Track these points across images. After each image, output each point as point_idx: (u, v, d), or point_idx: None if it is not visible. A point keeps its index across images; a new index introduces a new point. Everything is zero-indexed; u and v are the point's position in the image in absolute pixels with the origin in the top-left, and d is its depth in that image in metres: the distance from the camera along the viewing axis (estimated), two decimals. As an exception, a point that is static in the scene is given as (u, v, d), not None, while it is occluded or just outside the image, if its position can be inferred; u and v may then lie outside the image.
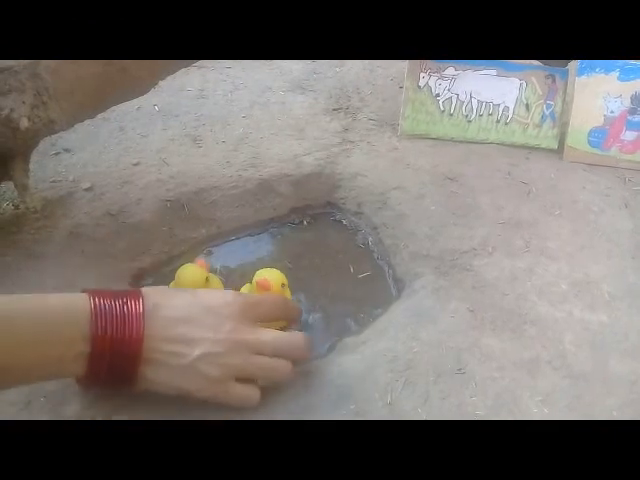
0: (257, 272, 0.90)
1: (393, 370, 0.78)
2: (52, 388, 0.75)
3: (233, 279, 1.02)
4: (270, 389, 0.78)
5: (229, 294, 0.63)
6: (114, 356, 0.54)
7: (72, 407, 0.72)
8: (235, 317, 0.58)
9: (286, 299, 0.74)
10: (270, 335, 0.62)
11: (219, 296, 0.61)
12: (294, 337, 0.66)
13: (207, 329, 0.56)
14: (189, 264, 0.93)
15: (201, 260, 0.92)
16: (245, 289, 0.92)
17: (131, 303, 0.55)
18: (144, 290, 0.58)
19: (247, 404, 0.63)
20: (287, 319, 0.74)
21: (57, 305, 0.54)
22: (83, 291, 0.57)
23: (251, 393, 0.63)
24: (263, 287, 0.86)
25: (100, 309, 0.53)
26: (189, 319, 0.56)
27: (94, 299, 0.55)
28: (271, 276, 0.88)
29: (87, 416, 0.69)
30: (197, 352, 0.55)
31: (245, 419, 0.72)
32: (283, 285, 0.90)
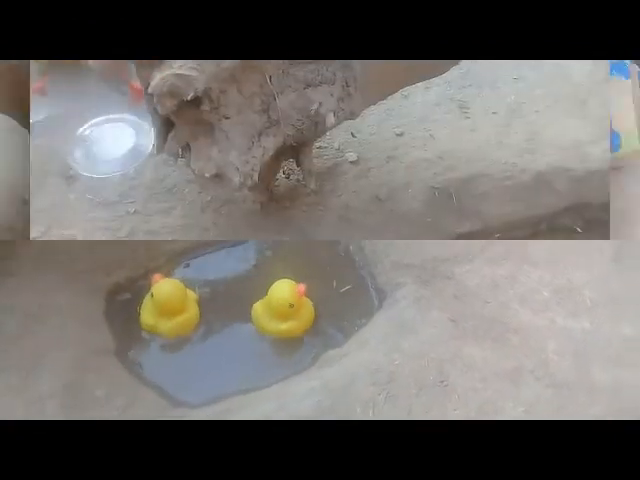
0: (280, 296, 0.91)
1: (375, 383, 0.77)
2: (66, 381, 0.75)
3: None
4: (249, 403, 0.77)
5: None
6: None
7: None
8: None
9: None
10: None
11: None
12: None
13: None
14: (165, 279, 0.92)
15: (157, 275, 0.91)
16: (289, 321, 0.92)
17: None
18: None
19: None
20: None
21: None
22: None
23: None
24: (302, 294, 0.91)
25: None
26: None
27: None
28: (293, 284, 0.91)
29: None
30: None
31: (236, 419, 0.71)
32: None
